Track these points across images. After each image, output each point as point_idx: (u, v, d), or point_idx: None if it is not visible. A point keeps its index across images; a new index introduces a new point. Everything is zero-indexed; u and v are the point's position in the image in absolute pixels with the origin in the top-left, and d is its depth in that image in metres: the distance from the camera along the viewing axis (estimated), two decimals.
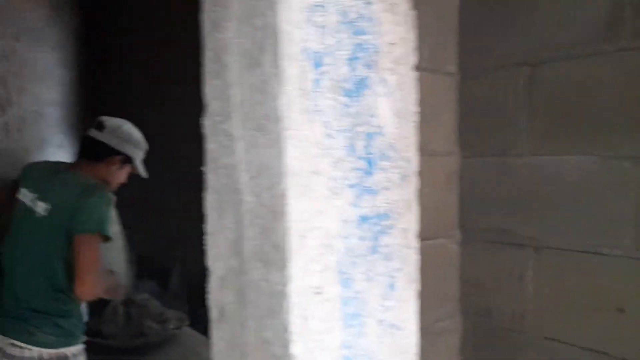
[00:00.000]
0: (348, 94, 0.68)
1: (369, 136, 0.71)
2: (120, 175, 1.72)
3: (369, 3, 0.69)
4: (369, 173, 0.71)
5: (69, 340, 1.48)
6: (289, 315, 0.62)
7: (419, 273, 0.80)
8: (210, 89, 0.75)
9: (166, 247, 2.31)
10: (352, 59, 0.68)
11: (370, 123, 0.71)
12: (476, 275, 1.13)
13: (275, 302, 0.64)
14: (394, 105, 0.74)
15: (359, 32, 0.68)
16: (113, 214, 1.54)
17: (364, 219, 0.71)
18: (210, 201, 0.76)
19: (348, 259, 0.69)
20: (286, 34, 0.60)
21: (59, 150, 2.78)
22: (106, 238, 1.49)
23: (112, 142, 1.64)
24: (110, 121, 1.66)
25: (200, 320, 1.85)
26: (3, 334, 1.46)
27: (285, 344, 0.62)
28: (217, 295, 0.77)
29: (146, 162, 2.34)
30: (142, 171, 1.76)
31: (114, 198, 1.57)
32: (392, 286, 0.75)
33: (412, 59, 0.76)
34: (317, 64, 0.64)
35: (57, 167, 1.65)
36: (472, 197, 1.12)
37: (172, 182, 2.19)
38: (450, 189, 1.10)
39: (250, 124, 0.66)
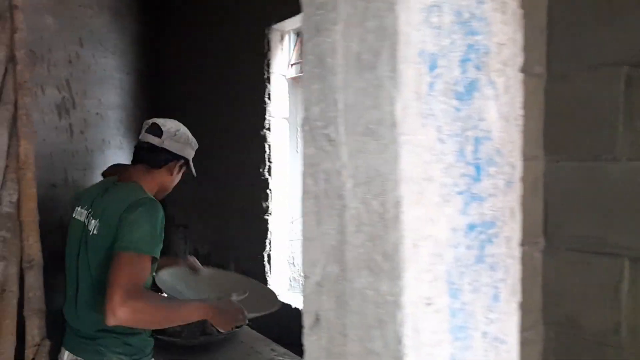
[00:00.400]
0: (459, 97, 0.65)
1: (477, 141, 0.68)
2: (178, 179, 1.67)
3: (481, 2, 0.66)
4: (476, 179, 0.68)
5: (139, 357, 1.46)
6: (402, 327, 0.60)
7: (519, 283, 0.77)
8: (309, 93, 0.74)
9: (222, 246, 2.34)
10: (464, 61, 0.65)
11: (479, 127, 0.68)
12: (561, 284, 1.07)
13: (384, 312, 0.62)
14: (501, 109, 0.71)
15: (472, 33, 0.65)
16: (159, 230, 1.41)
17: (471, 227, 0.68)
18: (308, 206, 0.75)
19: (456, 269, 0.66)
20: (405, 35, 0.58)
21: (119, 151, 2.88)
22: (153, 259, 1.37)
23: (173, 147, 1.56)
24: (167, 125, 1.57)
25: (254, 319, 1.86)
26: (72, 352, 1.45)
27: (397, 356, 0.60)
28: (313, 300, 0.76)
29: (205, 162, 2.40)
30: (194, 171, 1.69)
31: (160, 212, 1.44)
32: (496, 297, 0.72)
33: (519, 60, 0.73)
34: (432, 67, 0.62)
35: (106, 185, 1.58)
36: (558, 203, 1.06)
37: (230, 183, 2.23)
38: (535, 194, 1.05)
39: (358, 129, 0.65)
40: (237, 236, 2.20)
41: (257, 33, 1.92)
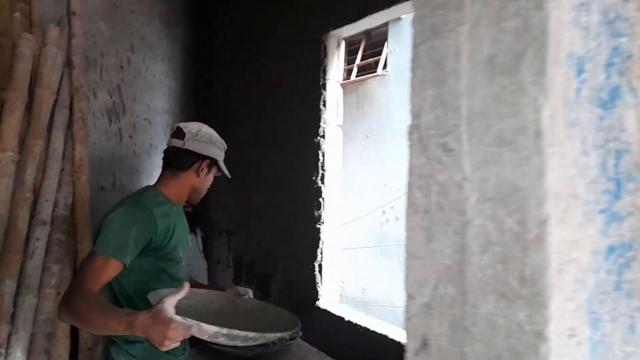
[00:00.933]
0: (603, 105, 0.59)
1: (618, 154, 0.61)
2: (209, 180, 1.61)
3: (626, 0, 0.60)
4: (617, 196, 0.61)
5: None
6: None
7: None
8: (421, 99, 0.69)
9: (268, 254, 2.31)
10: (609, 65, 0.59)
11: (620, 139, 0.61)
12: None
13: (520, 343, 0.55)
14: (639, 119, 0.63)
15: (617, 35, 0.59)
16: (133, 234, 1.32)
17: (611, 249, 0.61)
18: (416, 221, 0.70)
19: (597, 297, 0.59)
20: (555, 36, 0.53)
21: None
22: (120, 263, 1.29)
23: (197, 147, 1.52)
24: (189, 126, 1.54)
25: (303, 329, 1.81)
26: None
27: None
28: (419, 323, 0.70)
29: (255, 169, 2.38)
30: (226, 172, 1.63)
31: (140, 216, 1.37)
32: (632, 328, 0.64)
33: None
34: (579, 71, 0.55)
35: (144, 191, 1.55)
36: None
37: (281, 190, 2.19)
38: None
39: (487, 138, 0.59)
40: (286, 245, 2.16)
41: (313, 39, 1.88)
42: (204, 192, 1.63)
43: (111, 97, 2.70)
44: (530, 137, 0.54)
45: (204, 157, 1.54)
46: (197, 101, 3.00)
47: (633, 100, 0.63)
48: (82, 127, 2.21)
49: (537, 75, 0.53)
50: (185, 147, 1.51)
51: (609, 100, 0.59)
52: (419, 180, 0.69)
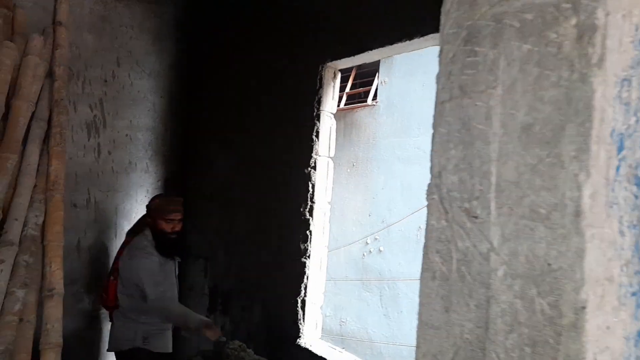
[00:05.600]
0: (638, 182, 0.56)
1: None
2: None
3: None
4: None
5: None
6: None
7: None
8: (444, 159, 0.65)
9: (248, 284, 2.22)
10: None
11: None
12: None
13: None
14: None
15: None
16: None
17: None
18: (431, 287, 0.65)
19: None
20: (600, 112, 0.50)
21: (144, 174, 2.80)
22: None
23: None
24: None
25: None
26: None
27: None
28: None
29: (239, 195, 2.30)
30: None
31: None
32: None
33: None
34: (620, 148, 0.53)
35: None
36: None
37: (267, 219, 2.12)
38: None
39: (519, 210, 0.56)
40: (268, 276, 2.08)
41: (310, 69, 1.86)
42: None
43: (92, 111, 2.60)
44: (568, 215, 0.51)
45: None
46: (182, 118, 2.92)
47: None
48: (60, 141, 2.10)
49: (579, 151, 0.50)
50: None
51: None
52: (438, 245, 0.65)
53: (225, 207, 2.45)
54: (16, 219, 1.82)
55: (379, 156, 3.23)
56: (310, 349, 1.81)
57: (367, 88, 3.47)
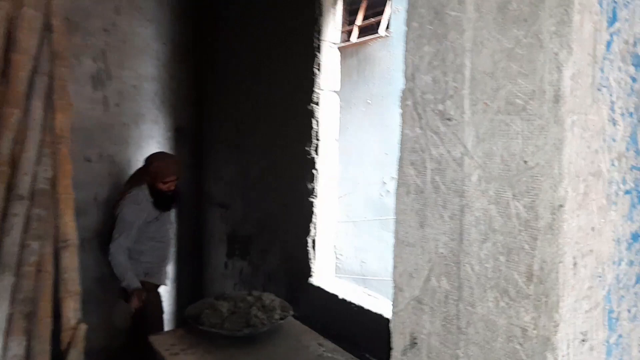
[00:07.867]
0: (637, 62, 0.48)
1: None
2: None
3: None
4: None
5: None
6: None
7: None
8: (416, 58, 0.58)
9: (266, 229, 2.22)
10: None
11: None
12: None
13: (523, 349, 0.47)
14: None
15: None
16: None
17: (635, 237, 0.51)
18: (406, 202, 0.60)
19: (616, 293, 0.50)
20: None
21: (154, 125, 2.78)
22: None
23: None
24: None
25: (297, 307, 1.75)
26: None
27: None
28: (407, 319, 0.61)
29: (250, 139, 2.27)
30: None
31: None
32: None
33: None
34: (612, 20, 0.44)
35: None
36: None
37: (275, 161, 2.08)
38: None
39: (494, 104, 0.49)
40: (282, 218, 2.07)
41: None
42: None
43: (95, 63, 2.56)
44: (546, 102, 0.44)
45: None
46: (187, 66, 2.85)
47: None
48: (63, 95, 2.08)
49: (560, 24, 0.42)
50: None
51: None
52: (412, 155, 0.59)
53: (241, 152, 2.42)
54: (25, 174, 1.85)
55: (394, 92, 3.08)
56: (321, 286, 1.82)
57: (379, 18, 3.26)
